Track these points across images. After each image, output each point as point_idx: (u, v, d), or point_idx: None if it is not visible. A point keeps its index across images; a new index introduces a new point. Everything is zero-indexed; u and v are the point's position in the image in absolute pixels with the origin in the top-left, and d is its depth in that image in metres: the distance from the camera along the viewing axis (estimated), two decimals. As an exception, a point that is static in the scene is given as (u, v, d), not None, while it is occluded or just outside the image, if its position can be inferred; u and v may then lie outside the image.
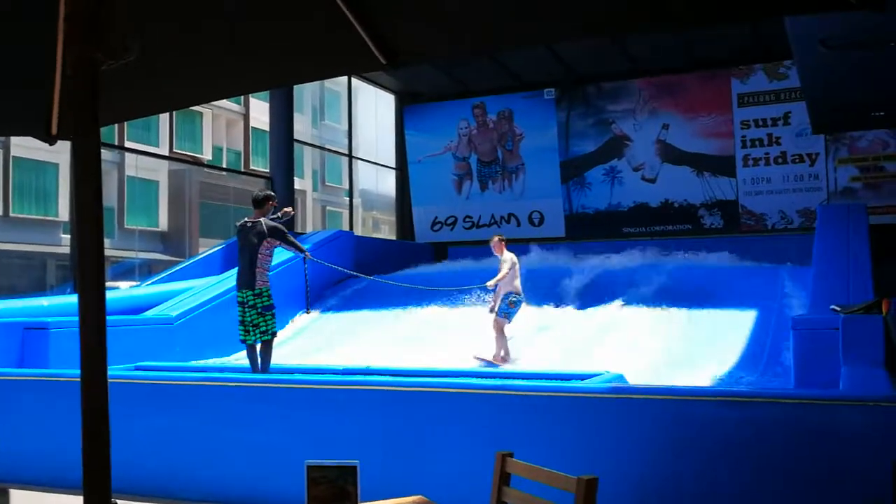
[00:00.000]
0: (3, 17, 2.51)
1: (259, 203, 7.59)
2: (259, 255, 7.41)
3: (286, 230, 7.72)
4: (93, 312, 2.01)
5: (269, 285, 7.55)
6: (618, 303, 10.79)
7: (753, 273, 11.30)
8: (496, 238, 9.81)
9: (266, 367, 7.46)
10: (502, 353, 9.26)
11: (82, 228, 2.02)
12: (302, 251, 8.01)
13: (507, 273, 9.34)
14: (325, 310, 12.04)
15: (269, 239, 7.43)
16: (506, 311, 9.33)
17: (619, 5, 2.41)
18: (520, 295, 9.42)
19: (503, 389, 5.07)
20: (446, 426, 5.01)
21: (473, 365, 9.01)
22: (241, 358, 9.96)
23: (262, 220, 7.50)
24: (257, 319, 7.41)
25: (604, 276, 11.71)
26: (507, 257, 9.49)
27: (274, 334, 7.57)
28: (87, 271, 2.03)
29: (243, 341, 7.55)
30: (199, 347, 9.57)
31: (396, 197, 18.22)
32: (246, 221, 7.59)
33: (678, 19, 2.65)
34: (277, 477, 5.26)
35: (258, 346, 7.51)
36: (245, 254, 7.42)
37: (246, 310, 7.43)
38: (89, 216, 2.02)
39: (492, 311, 9.44)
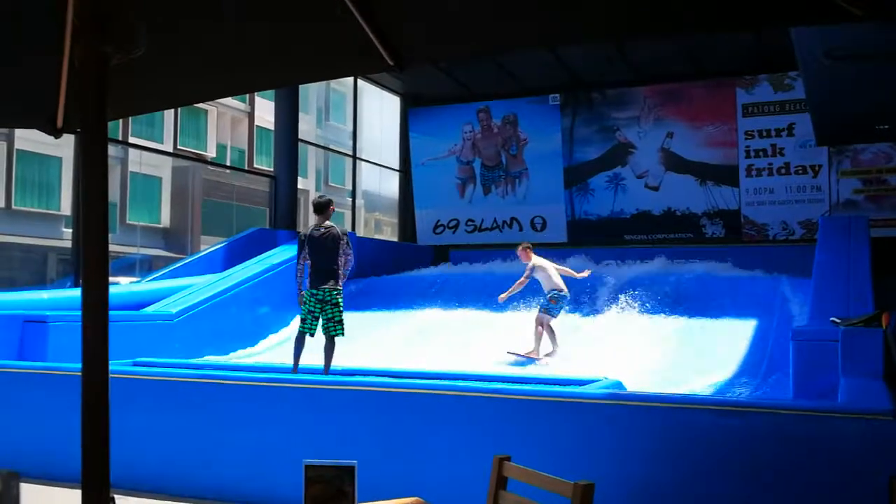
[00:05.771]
0: (11, 9, 2.52)
1: (322, 208, 7.97)
2: (338, 258, 7.84)
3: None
4: (96, 308, 2.01)
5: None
6: (617, 309, 10.79)
7: (754, 283, 11.29)
8: (521, 247, 9.96)
9: (329, 362, 7.82)
10: (544, 349, 9.39)
11: (87, 223, 2.02)
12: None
13: (524, 283, 9.62)
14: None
15: (342, 243, 7.86)
16: (546, 307, 9.51)
17: (620, 10, 2.41)
18: (562, 291, 9.58)
19: (502, 393, 5.08)
20: (445, 429, 5.02)
21: (509, 360, 9.19)
22: (240, 356, 9.98)
23: (335, 226, 7.93)
24: (339, 316, 7.81)
25: (604, 282, 11.70)
26: (534, 263, 9.66)
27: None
28: (91, 266, 2.03)
29: (308, 333, 7.87)
30: (199, 345, 9.58)
31: (399, 199, 18.22)
32: (317, 227, 7.88)
33: (679, 26, 2.66)
34: (275, 475, 5.26)
35: (326, 341, 7.82)
36: (323, 257, 7.81)
37: (326, 307, 7.78)
38: (94, 211, 2.03)
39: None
